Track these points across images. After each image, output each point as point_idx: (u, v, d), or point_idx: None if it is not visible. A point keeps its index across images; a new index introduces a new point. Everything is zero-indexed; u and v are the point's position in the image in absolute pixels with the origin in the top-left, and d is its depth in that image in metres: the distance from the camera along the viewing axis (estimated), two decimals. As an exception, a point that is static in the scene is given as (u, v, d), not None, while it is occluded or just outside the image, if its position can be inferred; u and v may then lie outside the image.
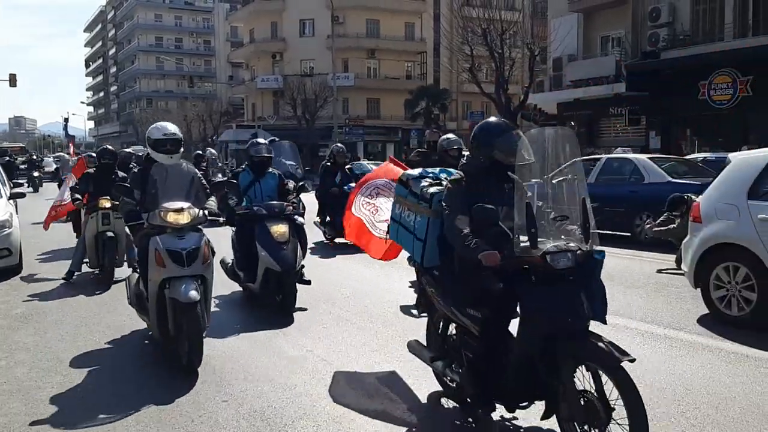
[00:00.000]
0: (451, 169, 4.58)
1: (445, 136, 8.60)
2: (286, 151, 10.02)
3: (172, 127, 5.73)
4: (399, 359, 5.19)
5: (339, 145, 13.19)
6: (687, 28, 22.42)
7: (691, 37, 22.23)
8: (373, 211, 6.31)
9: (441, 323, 4.40)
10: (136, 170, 6.42)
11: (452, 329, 4.26)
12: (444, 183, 4.20)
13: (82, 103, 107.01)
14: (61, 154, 38.62)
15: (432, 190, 4.21)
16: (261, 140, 7.84)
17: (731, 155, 7.06)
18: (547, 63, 29.12)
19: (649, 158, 12.50)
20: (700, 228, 6.59)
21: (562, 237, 3.50)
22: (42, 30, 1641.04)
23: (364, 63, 51.40)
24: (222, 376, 4.90)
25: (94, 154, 12.90)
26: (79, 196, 8.92)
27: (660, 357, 5.26)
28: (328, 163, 12.52)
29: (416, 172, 4.52)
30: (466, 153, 4.50)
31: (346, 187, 11.46)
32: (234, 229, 7.50)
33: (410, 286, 7.88)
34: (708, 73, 20.63)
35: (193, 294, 4.89)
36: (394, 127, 49.56)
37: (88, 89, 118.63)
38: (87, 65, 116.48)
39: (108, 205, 8.60)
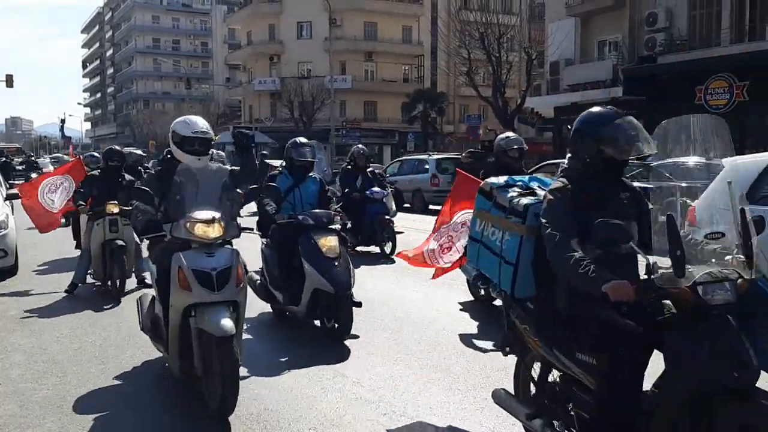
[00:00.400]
0: (543, 177, 3.83)
1: (503, 135, 7.45)
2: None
3: (203, 123, 4.83)
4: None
5: (360, 146, 12.25)
6: (684, 33, 22.47)
7: (688, 42, 22.28)
8: (447, 247, 5.83)
9: (537, 367, 3.49)
10: (153, 172, 5.28)
11: (554, 376, 3.36)
12: (538, 192, 3.44)
13: (79, 104, 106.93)
14: (59, 154, 38.59)
15: (525, 201, 3.35)
16: (303, 140, 6.87)
17: (725, 160, 7.07)
18: (544, 67, 29.15)
19: None
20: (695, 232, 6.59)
21: (714, 261, 2.72)
22: (39, 31, 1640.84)
23: (362, 66, 51.39)
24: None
25: (97, 154, 12.65)
26: (83, 202, 8.03)
27: (657, 359, 5.24)
28: (348, 166, 11.76)
29: (501, 180, 3.66)
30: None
31: (368, 192, 11.17)
32: (266, 240, 6.47)
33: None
34: (704, 78, 20.68)
35: (228, 325, 4.01)
36: (391, 129, 49.54)
37: (84, 90, 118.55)
38: (84, 66, 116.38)
39: (116, 210, 7.82)
